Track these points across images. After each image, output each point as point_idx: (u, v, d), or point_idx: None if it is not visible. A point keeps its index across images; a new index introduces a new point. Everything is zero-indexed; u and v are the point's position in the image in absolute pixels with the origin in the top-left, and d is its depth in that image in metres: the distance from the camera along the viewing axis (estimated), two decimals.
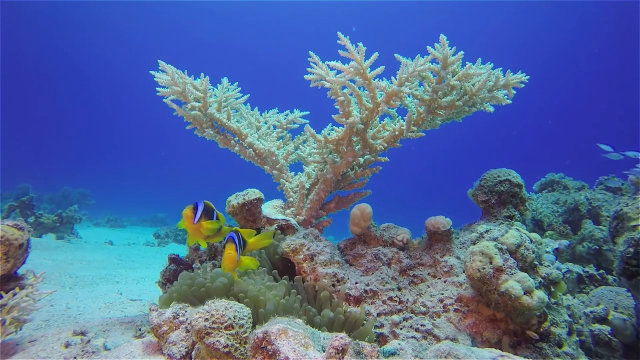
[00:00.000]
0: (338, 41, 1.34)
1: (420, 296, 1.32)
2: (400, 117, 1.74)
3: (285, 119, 1.97)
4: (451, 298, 1.26)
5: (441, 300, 1.27)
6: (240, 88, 1.87)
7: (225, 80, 1.82)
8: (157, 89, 1.58)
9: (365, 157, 1.74)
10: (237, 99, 1.86)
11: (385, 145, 1.65)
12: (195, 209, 1.08)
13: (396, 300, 1.28)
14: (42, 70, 20.78)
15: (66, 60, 20.74)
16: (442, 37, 1.34)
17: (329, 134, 1.57)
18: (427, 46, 1.35)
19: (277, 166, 1.74)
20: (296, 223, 1.56)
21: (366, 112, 1.48)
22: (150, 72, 1.60)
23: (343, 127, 1.55)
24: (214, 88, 1.79)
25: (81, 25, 19.23)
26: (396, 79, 1.39)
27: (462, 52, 1.36)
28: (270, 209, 1.62)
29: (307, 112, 2.05)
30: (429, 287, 1.36)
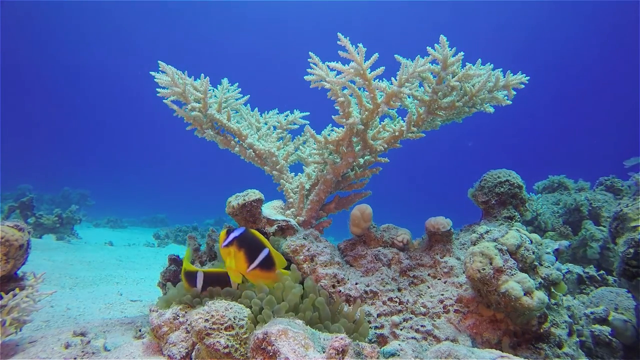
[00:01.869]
0: (338, 42, 1.35)
1: (421, 297, 1.32)
2: (400, 117, 1.74)
3: (285, 119, 1.97)
4: (451, 299, 1.26)
5: (441, 301, 1.27)
6: (240, 89, 1.87)
7: (225, 81, 1.82)
8: (157, 89, 1.58)
9: (366, 157, 1.74)
10: (237, 99, 1.86)
11: (386, 146, 1.65)
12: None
13: (396, 301, 1.28)
14: (42, 70, 20.78)
15: (67, 61, 20.74)
16: (442, 38, 1.34)
17: (329, 135, 1.57)
18: (427, 47, 1.35)
19: (277, 167, 1.74)
20: (296, 224, 1.56)
21: (366, 112, 1.48)
22: (150, 72, 1.60)
23: (343, 127, 1.55)
24: (214, 89, 1.80)
25: (81, 25, 19.21)
26: (396, 80, 1.39)
27: (462, 53, 1.36)
28: (271, 209, 1.62)
29: (307, 113, 2.05)
30: (429, 287, 1.35)
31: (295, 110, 2.03)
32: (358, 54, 1.33)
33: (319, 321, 1.01)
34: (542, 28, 18.41)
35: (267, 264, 1.07)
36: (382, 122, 1.64)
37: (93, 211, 9.14)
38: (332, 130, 1.70)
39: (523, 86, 1.57)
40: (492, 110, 1.66)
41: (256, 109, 1.98)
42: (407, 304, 1.28)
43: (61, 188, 9.58)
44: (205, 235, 1.77)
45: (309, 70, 1.43)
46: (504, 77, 1.54)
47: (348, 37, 1.35)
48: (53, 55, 20.17)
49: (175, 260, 1.73)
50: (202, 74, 1.66)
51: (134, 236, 6.98)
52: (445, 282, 1.35)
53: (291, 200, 1.70)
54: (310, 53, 1.47)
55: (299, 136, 1.98)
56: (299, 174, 1.82)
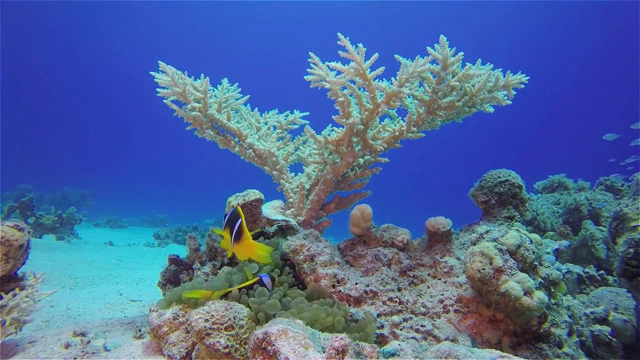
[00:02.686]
0: (338, 42, 1.35)
1: (421, 297, 1.32)
2: (400, 117, 1.74)
3: (285, 119, 1.97)
4: (451, 299, 1.26)
5: (441, 301, 1.27)
6: (240, 89, 1.87)
7: (225, 81, 1.83)
8: (157, 89, 1.58)
9: (365, 157, 1.74)
10: (237, 99, 1.86)
11: (386, 145, 1.65)
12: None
13: (396, 301, 1.28)
14: (43, 70, 20.75)
15: (68, 61, 20.72)
16: (442, 38, 1.34)
17: (329, 135, 1.57)
18: (427, 47, 1.35)
19: (277, 167, 1.74)
20: (296, 224, 1.56)
21: (366, 112, 1.48)
22: (151, 72, 1.61)
23: (343, 128, 1.56)
24: (214, 89, 1.80)
25: (82, 25, 19.18)
26: (396, 80, 1.39)
27: (462, 53, 1.36)
28: (271, 209, 1.62)
29: (307, 113, 2.05)
30: (429, 287, 1.35)
31: (295, 110, 2.04)
32: (358, 54, 1.33)
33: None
34: (542, 26, 18.40)
35: (238, 235, 1.02)
36: (382, 122, 1.65)
37: (93, 211, 9.14)
38: (332, 130, 1.70)
39: (523, 86, 1.57)
40: (492, 110, 1.67)
41: (256, 109, 1.98)
42: (407, 304, 1.28)
43: (61, 188, 9.58)
44: (205, 235, 1.77)
45: (309, 70, 1.43)
46: (504, 77, 1.54)
47: (348, 37, 1.35)
48: (54, 54, 20.14)
49: (175, 260, 1.73)
50: (202, 74, 1.66)
51: (134, 236, 6.97)
52: (445, 282, 1.35)
53: (291, 200, 1.70)
54: (310, 53, 1.47)
55: (299, 136, 1.98)
56: (299, 173, 1.82)
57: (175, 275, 1.72)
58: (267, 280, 1.11)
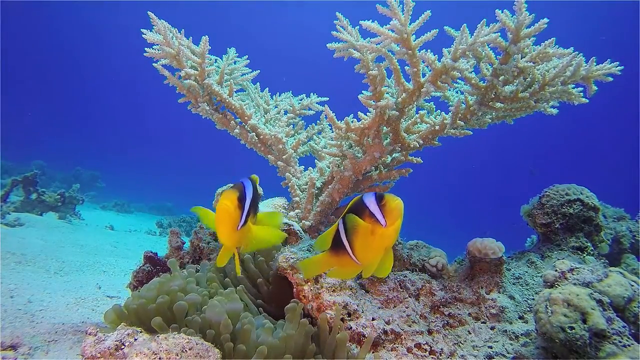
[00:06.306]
0: None
1: (459, 346, 0.97)
2: (440, 111, 1.41)
3: (299, 103, 1.66)
4: (505, 356, 0.91)
5: (490, 358, 0.92)
6: (249, 61, 1.57)
7: (232, 51, 1.53)
8: (145, 49, 1.29)
9: (394, 155, 1.40)
10: (244, 74, 1.56)
11: (421, 142, 1.31)
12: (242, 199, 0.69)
13: (426, 350, 0.94)
14: (66, 52, 20.98)
15: (86, 45, 20.76)
16: (520, 1, 0.99)
17: (352, 121, 1.24)
18: (496, 10, 1.00)
19: (284, 157, 1.42)
20: (301, 229, 1.24)
21: (404, 94, 1.14)
22: (142, 30, 1.32)
23: (368, 114, 1.22)
24: (218, 59, 1.50)
25: (102, 6, 19.01)
26: (449, 53, 1.05)
27: (545, 20, 1.01)
28: (270, 208, 1.30)
29: (327, 99, 1.72)
30: (469, 333, 1.00)
31: (311, 94, 1.71)
32: (403, 12, 0.99)
33: None
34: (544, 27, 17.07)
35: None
36: (418, 113, 1.32)
37: (103, 193, 9.08)
38: (354, 121, 1.37)
39: (611, 79, 1.20)
40: (555, 111, 1.31)
41: (267, 89, 1.67)
42: (440, 355, 0.94)
43: (75, 168, 9.59)
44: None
45: (334, 33, 1.11)
46: (587, 64, 1.17)
47: None
48: (72, 40, 20.23)
49: (152, 259, 1.44)
50: (203, 37, 1.36)
51: (138, 222, 6.81)
52: (493, 329, 1.00)
53: (297, 199, 1.38)
54: (337, 14, 1.15)
55: (313, 124, 1.66)
56: (310, 168, 1.50)
57: (150, 276, 1.42)
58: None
